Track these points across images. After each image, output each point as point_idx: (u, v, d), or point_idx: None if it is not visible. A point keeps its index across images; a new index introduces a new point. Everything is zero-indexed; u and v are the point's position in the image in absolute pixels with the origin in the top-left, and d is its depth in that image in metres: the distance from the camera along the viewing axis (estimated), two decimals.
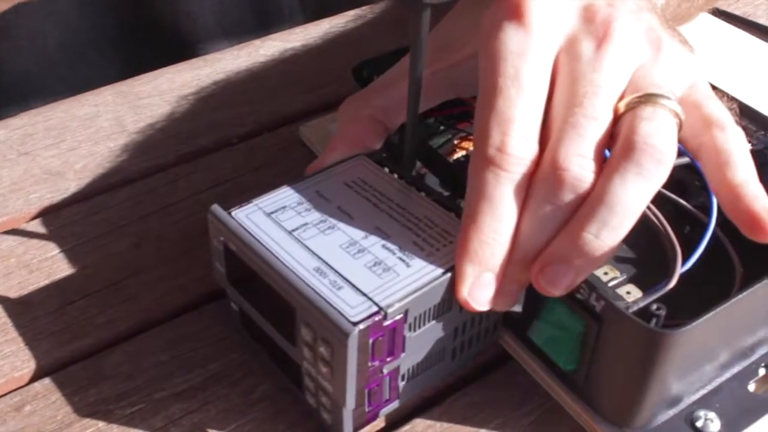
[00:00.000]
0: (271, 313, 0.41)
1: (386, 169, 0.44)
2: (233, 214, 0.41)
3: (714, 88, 0.42)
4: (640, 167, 0.36)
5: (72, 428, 0.42)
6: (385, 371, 0.39)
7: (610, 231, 0.36)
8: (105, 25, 0.73)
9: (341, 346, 0.36)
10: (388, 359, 0.38)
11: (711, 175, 0.38)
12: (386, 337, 0.37)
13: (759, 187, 0.37)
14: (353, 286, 0.37)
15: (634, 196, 0.36)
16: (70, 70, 0.73)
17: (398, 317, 0.37)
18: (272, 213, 0.41)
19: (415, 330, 0.38)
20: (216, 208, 0.41)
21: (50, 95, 0.65)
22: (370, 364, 0.37)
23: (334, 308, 0.36)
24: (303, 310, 0.37)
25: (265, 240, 0.40)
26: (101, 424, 0.42)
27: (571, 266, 0.36)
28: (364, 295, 0.37)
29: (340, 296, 0.37)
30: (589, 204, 0.36)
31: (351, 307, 0.36)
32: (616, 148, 0.37)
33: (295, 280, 0.38)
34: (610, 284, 0.41)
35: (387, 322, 0.37)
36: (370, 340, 0.36)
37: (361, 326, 0.36)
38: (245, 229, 0.40)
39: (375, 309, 0.36)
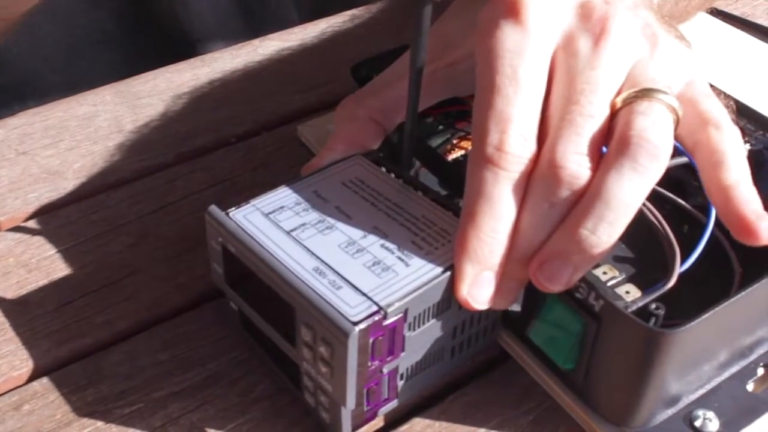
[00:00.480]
0: (270, 313, 0.40)
1: (383, 169, 0.44)
2: (231, 215, 0.41)
3: (711, 87, 0.42)
4: (635, 162, 0.36)
5: (71, 427, 0.42)
6: (385, 371, 0.38)
7: (606, 226, 0.36)
8: (101, 18, 0.73)
9: (341, 346, 0.36)
10: (388, 359, 0.38)
11: (705, 175, 0.38)
12: (386, 336, 0.37)
13: (751, 189, 0.37)
14: (353, 285, 0.37)
15: (629, 191, 0.36)
16: (66, 64, 0.73)
17: (398, 316, 0.37)
18: (270, 213, 0.41)
19: (414, 329, 0.38)
20: (213, 209, 0.41)
21: (46, 90, 0.65)
22: (370, 363, 0.37)
23: (334, 308, 0.36)
24: (303, 310, 0.37)
25: (264, 241, 0.40)
26: (100, 423, 0.42)
27: (568, 262, 0.36)
28: (364, 294, 0.37)
29: (340, 296, 0.37)
30: (585, 200, 0.36)
31: (351, 307, 0.36)
32: (611, 143, 0.37)
33: (294, 280, 0.38)
34: (609, 283, 0.41)
35: (387, 322, 0.37)
36: (370, 340, 0.36)
37: (362, 326, 0.36)
38: (243, 230, 0.40)
39: (375, 308, 0.36)
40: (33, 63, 0.72)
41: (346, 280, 0.38)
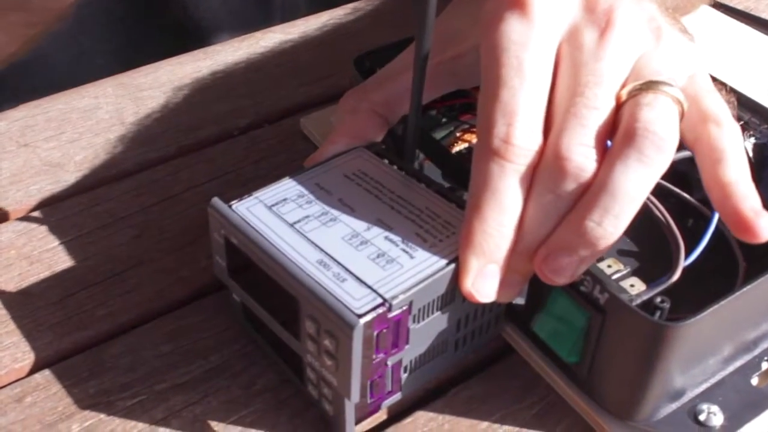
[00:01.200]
0: (273, 306, 0.40)
1: (386, 161, 0.44)
2: (234, 207, 0.41)
3: (714, 80, 0.42)
4: (641, 154, 0.36)
5: (73, 419, 0.41)
6: (389, 363, 0.38)
7: (612, 219, 0.36)
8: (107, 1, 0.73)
9: (346, 338, 0.36)
10: (393, 351, 0.38)
11: (704, 172, 0.38)
12: (391, 329, 0.37)
13: (750, 186, 0.37)
14: (357, 278, 0.37)
15: (635, 183, 0.36)
16: (70, 44, 0.73)
17: (403, 309, 0.37)
18: (273, 206, 0.41)
19: (418, 321, 0.38)
20: (216, 201, 0.41)
21: (49, 72, 0.64)
22: (374, 356, 0.37)
23: (339, 301, 0.36)
24: (307, 302, 0.37)
25: (267, 233, 0.39)
26: (102, 415, 0.42)
27: (574, 255, 0.36)
28: (369, 287, 0.37)
29: (344, 288, 0.37)
30: (591, 192, 0.36)
31: (355, 300, 0.36)
32: (617, 135, 0.37)
33: (298, 272, 0.37)
34: (614, 277, 0.40)
35: (392, 314, 0.36)
36: (375, 333, 0.36)
37: (366, 318, 0.36)
38: (247, 222, 0.40)
39: (380, 301, 0.36)
40: (45, 43, 0.71)
41: (351, 273, 0.37)
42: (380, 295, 0.36)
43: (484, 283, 0.37)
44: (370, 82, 0.47)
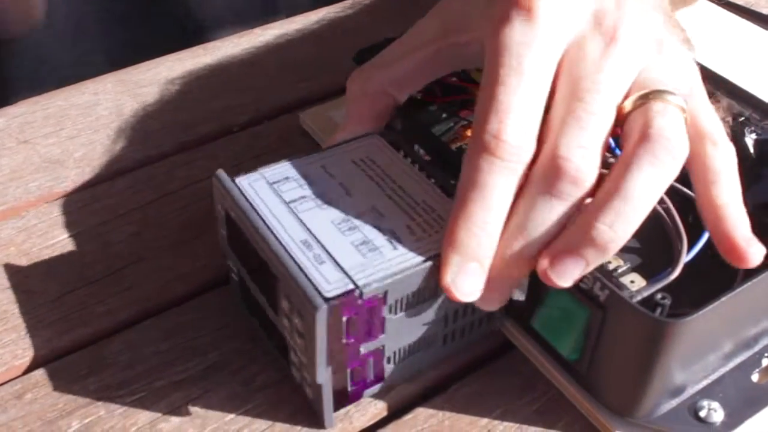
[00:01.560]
0: (261, 281, 0.41)
1: (401, 152, 0.44)
2: (237, 181, 0.42)
3: (711, 95, 0.41)
4: (656, 158, 0.36)
5: (73, 416, 0.41)
6: (364, 350, 0.39)
7: (623, 222, 0.36)
8: None
9: (311, 319, 0.36)
10: (368, 339, 0.38)
11: (698, 190, 0.38)
12: (362, 316, 0.37)
13: (741, 210, 0.38)
14: (335, 262, 0.37)
15: (648, 187, 0.36)
16: (74, 42, 0.73)
17: (376, 297, 0.37)
18: (274, 183, 0.42)
19: (396, 312, 0.38)
20: (221, 173, 0.42)
21: (58, 66, 0.64)
22: (344, 341, 0.37)
23: (311, 282, 0.36)
24: (284, 280, 0.38)
25: (261, 209, 0.40)
26: (102, 412, 0.42)
27: (581, 258, 0.36)
28: (344, 272, 0.37)
29: (320, 271, 0.37)
30: (602, 195, 0.36)
31: (328, 283, 0.36)
32: (630, 141, 0.37)
33: (280, 250, 0.38)
34: (614, 273, 0.40)
35: (362, 301, 0.37)
36: (344, 318, 0.36)
37: (333, 302, 0.36)
38: (245, 196, 0.41)
39: (351, 287, 0.36)
40: (47, 41, 0.71)
41: (331, 256, 0.38)
42: (353, 281, 0.37)
43: (464, 280, 0.37)
44: (376, 63, 0.47)
